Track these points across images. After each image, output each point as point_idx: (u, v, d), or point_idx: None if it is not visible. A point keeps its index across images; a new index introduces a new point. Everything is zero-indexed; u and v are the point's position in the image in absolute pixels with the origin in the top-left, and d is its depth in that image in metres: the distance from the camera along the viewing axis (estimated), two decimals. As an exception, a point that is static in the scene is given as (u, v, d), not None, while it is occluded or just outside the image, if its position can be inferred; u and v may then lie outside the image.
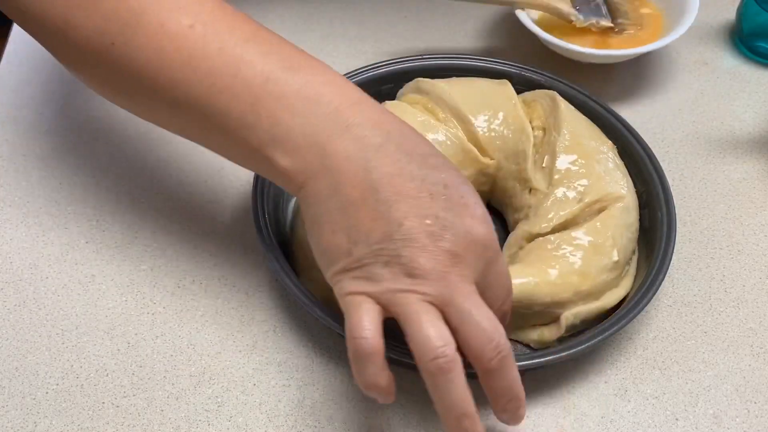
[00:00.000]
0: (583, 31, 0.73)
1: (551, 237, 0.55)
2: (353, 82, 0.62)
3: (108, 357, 0.54)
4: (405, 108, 0.59)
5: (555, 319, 0.54)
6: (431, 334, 0.42)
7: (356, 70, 0.65)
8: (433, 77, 0.62)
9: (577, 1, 0.73)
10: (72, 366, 0.54)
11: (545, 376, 0.53)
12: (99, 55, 0.47)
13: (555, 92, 0.61)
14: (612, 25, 0.73)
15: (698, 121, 0.70)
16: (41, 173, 0.64)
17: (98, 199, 0.63)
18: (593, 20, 0.72)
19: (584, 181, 0.56)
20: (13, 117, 0.68)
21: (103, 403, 0.52)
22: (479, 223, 0.44)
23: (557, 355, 0.50)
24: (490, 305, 0.44)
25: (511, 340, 0.52)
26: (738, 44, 0.77)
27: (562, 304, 0.53)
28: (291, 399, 0.52)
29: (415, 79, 0.62)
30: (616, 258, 0.54)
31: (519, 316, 0.52)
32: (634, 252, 0.58)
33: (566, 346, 0.51)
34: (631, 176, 0.59)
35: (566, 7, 0.72)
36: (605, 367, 0.55)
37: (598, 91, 0.73)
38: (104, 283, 0.58)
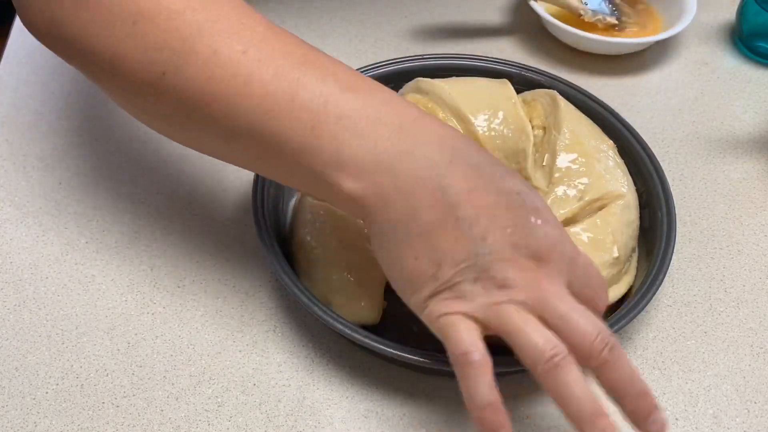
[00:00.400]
0: (589, 27, 0.74)
1: None
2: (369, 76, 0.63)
3: (108, 357, 0.54)
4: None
5: None
6: (539, 341, 0.41)
7: (366, 67, 0.65)
8: (433, 77, 0.62)
9: None
10: (72, 366, 0.54)
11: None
12: (150, 87, 0.45)
13: (555, 92, 0.61)
14: (617, 22, 0.75)
15: (698, 121, 0.70)
16: (41, 173, 0.64)
17: (98, 199, 0.63)
18: (600, 16, 0.74)
19: (585, 180, 0.56)
20: (13, 117, 0.68)
21: (103, 403, 0.52)
22: (552, 226, 0.44)
23: None
24: (586, 303, 0.44)
25: None
26: (738, 44, 0.77)
27: None
28: (291, 399, 0.52)
29: (415, 79, 0.62)
30: (616, 254, 0.54)
31: None
32: (634, 249, 0.58)
33: None
34: (630, 176, 0.59)
35: (575, 2, 0.74)
36: (605, 367, 0.55)
37: (598, 89, 0.73)
38: (104, 283, 0.58)
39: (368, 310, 0.54)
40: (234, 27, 0.45)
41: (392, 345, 0.49)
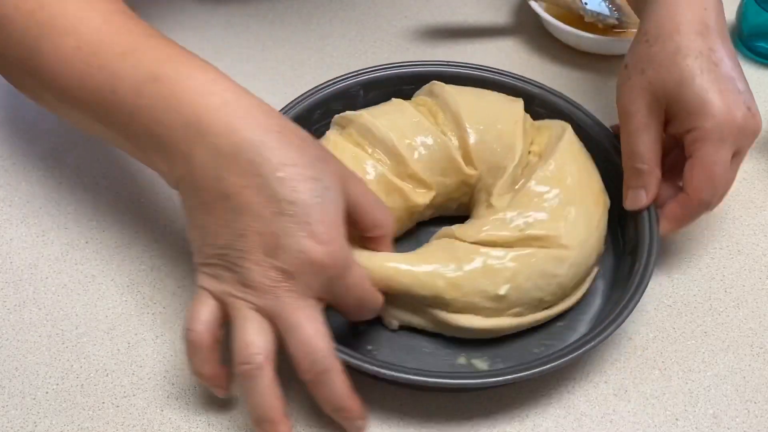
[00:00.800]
0: (589, 27, 0.74)
1: (467, 244, 0.53)
2: (382, 75, 0.64)
3: (108, 357, 0.54)
4: (405, 108, 0.60)
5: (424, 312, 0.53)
6: (248, 340, 0.45)
7: (382, 66, 0.65)
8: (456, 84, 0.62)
9: None
10: (72, 366, 0.54)
11: (545, 377, 0.53)
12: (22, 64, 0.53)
13: (569, 126, 0.59)
14: (617, 22, 0.75)
15: (698, 121, 0.70)
16: (41, 173, 0.64)
17: (98, 199, 0.63)
18: (600, 16, 0.74)
19: (539, 215, 0.54)
20: (13, 117, 0.68)
21: (103, 403, 0.52)
22: (318, 243, 0.45)
23: (501, 378, 0.49)
24: (348, 314, 0.50)
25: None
26: (738, 44, 0.77)
27: (421, 299, 0.52)
28: (291, 399, 0.52)
29: (432, 82, 0.62)
30: (502, 292, 0.51)
31: (408, 298, 0.52)
32: (541, 305, 0.54)
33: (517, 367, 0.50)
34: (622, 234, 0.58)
35: (575, 2, 0.74)
36: (605, 367, 0.55)
37: (599, 89, 0.73)
38: (104, 283, 0.58)
39: None
40: (72, 22, 0.51)
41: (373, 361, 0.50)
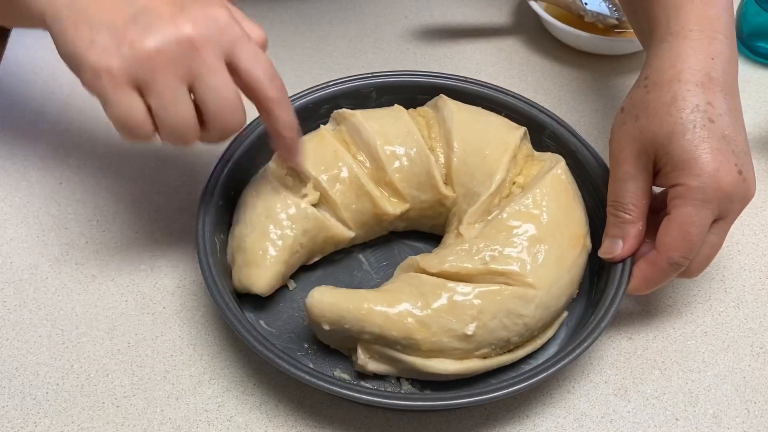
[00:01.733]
0: (589, 27, 0.74)
1: (434, 279, 0.51)
2: (397, 81, 0.63)
3: (108, 357, 0.54)
4: (400, 116, 0.59)
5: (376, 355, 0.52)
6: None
7: (399, 71, 0.64)
8: (470, 101, 0.61)
9: None
10: (72, 366, 0.54)
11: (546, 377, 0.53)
12: None
13: (562, 161, 0.57)
14: (617, 22, 0.75)
15: (698, 121, 0.70)
16: (41, 173, 0.64)
17: (98, 199, 0.63)
18: (600, 16, 0.74)
19: (508, 250, 0.52)
20: (13, 117, 0.68)
21: (103, 403, 0.52)
22: (220, 6, 0.45)
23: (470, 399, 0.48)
24: (255, 80, 0.47)
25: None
26: (738, 44, 0.77)
27: (390, 342, 0.50)
28: (291, 399, 0.52)
29: (440, 95, 0.61)
30: (470, 332, 0.50)
31: (350, 337, 0.51)
32: (508, 346, 0.52)
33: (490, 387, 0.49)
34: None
35: (576, 2, 0.74)
36: (605, 367, 0.55)
37: (599, 89, 0.73)
38: (104, 283, 0.58)
39: (257, 278, 0.53)
40: None
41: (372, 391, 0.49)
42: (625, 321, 0.57)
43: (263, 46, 0.49)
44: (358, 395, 0.47)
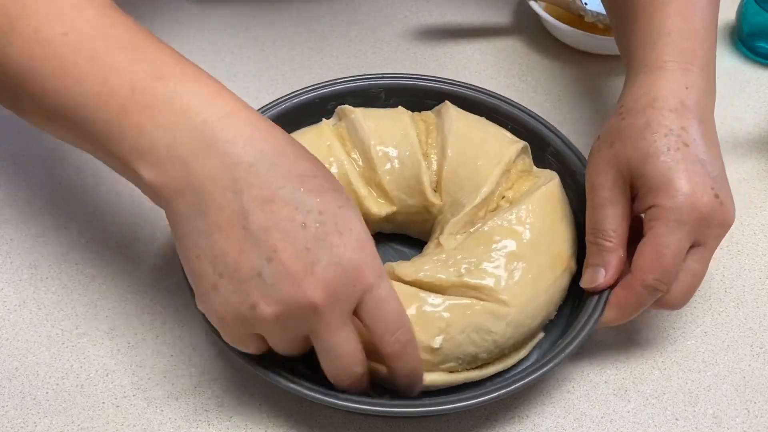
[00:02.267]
0: (589, 27, 0.74)
1: (406, 287, 0.51)
2: (408, 84, 0.63)
3: (108, 357, 0.54)
4: (401, 118, 0.59)
5: None
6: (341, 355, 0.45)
7: (409, 75, 0.64)
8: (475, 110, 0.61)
9: None
10: (72, 366, 0.54)
11: (545, 377, 0.53)
12: None
13: (556, 177, 0.57)
14: None
15: (698, 121, 0.70)
16: (41, 173, 0.64)
17: (98, 199, 0.63)
18: (600, 16, 0.74)
19: (484, 265, 0.51)
20: (13, 117, 0.68)
21: (103, 403, 0.52)
22: (351, 249, 0.42)
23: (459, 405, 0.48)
24: (375, 335, 0.45)
25: None
26: (738, 44, 0.77)
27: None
28: (291, 399, 0.52)
29: (445, 101, 0.61)
30: (436, 345, 0.49)
31: None
32: (476, 362, 0.51)
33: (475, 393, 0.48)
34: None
35: (576, 1, 0.74)
36: (605, 367, 0.55)
37: (599, 89, 0.73)
38: (104, 283, 0.58)
39: None
40: (62, 8, 0.44)
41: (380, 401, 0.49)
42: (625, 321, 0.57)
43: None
44: (354, 405, 0.47)
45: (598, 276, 0.51)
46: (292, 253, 0.41)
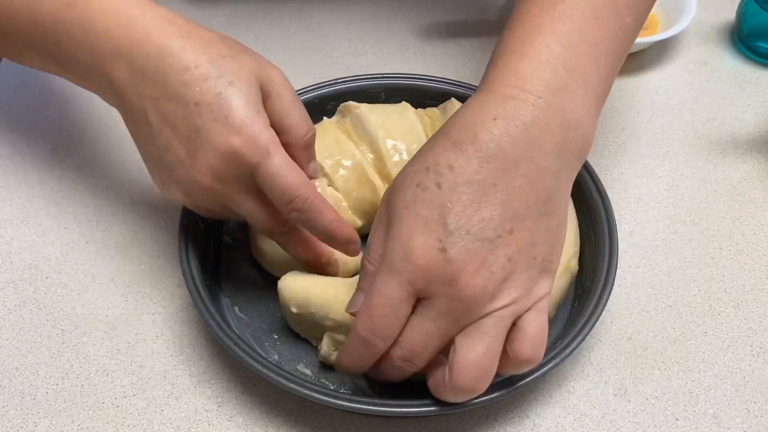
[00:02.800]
0: None
1: None
2: (409, 84, 0.63)
3: (108, 357, 0.54)
4: (407, 113, 0.59)
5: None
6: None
7: (409, 75, 0.64)
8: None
9: None
10: (72, 366, 0.54)
11: (545, 376, 0.53)
12: None
13: None
14: None
15: (698, 121, 0.70)
16: (41, 173, 0.64)
17: (98, 199, 0.63)
18: None
19: None
20: (13, 117, 0.68)
21: (103, 403, 0.52)
22: (227, 135, 0.46)
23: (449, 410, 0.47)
24: (276, 207, 0.49)
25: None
26: (738, 44, 0.77)
27: (350, 330, 0.47)
28: (291, 399, 0.52)
29: (451, 98, 0.61)
30: None
31: (316, 324, 0.51)
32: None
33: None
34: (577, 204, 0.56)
35: None
36: (605, 367, 0.55)
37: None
38: (104, 283, 0.58)
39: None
40: None
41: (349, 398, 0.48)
42: (625, 321, 0.57)
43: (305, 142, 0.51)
44: (354, 405, 0.47)
45: (357, 301, 0.46)
46: (179, 143, 0.47)
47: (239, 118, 0.46)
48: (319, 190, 0.55)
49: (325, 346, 0.51)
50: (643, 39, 0.73)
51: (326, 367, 0.53)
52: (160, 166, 0.49)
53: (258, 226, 0.51)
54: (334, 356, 0.52)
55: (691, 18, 0.73)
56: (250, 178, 0.48)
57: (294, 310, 0.51)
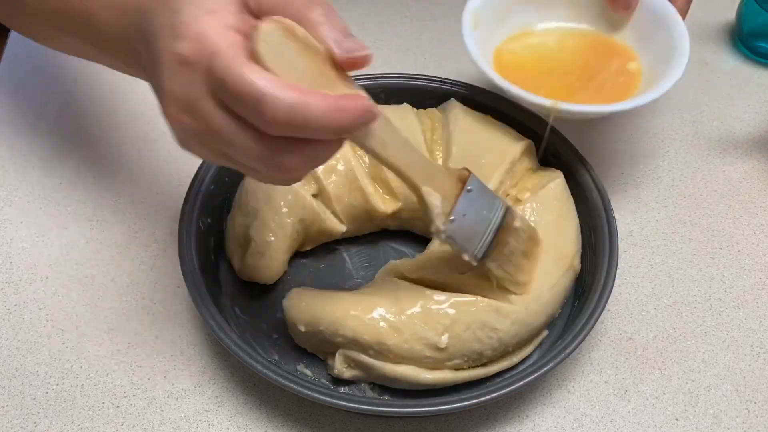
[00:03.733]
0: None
1: (411, 285, 0.51)
2: (409, 84, 0.63)
3: (108, 357, 0.54)
4: (407, 116, 0.59)
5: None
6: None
7: (409, 75, 0.64)
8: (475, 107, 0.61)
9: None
10: (72, 366, 0.54)
11: (545, 377, 0.53)
12: None
13: (561, 176, 0.57)
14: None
15: (698, 121, 0.70)
16: (41, 173, 0.64)
17: (98, 199, 0.63)
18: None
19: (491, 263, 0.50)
20: (13, 117, 0.68)
21: (103, 403, 0.52)
22: (177, 39, 0.38)
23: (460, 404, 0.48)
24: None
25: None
26: (738, 44, 0.77)
27: (363, 346, 0.49)
28: (291, 399, 0.52)
29: (452, 99, 0.61)
30: (442, 345, 0.49)
31: (325, 341, 0.51)
32: (481, 359, 0.51)
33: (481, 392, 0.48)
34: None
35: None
36: (605, 367, 0.55)
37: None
38: (104, 283, 0.58)
39: (266, 270, 0.54)
40: None
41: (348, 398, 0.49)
42: (625, 321, 0.57)
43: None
44: (354, 405, 0.47)
45: None
46: (150, 79, 0.41)
47: (185, 20, 0.38)
48: (302, 193, 0.54)
49: (338, 364, 0.51)
50: (615, 106, 0.59)
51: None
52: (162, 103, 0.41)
53: (253, 161, 0.40)
54: (347, 373, 0.51)
55: (679, 76, 0.60)
56: (214, 95, 0.38)
57: (302, 329, 0.51)
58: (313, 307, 0.50)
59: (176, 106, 0.39)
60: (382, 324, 0.49)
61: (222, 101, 0.38)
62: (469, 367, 0.51)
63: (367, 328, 0.49)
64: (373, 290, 0.52)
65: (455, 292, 0.51)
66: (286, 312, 0.51)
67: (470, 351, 0.50)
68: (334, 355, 0.51)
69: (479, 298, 0.50)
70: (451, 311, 0.50)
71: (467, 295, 0.50)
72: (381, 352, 0.49)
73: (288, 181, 0.42)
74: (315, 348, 0.53)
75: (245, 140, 0.39)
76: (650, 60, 0.62)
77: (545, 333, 0.54)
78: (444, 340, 0.49)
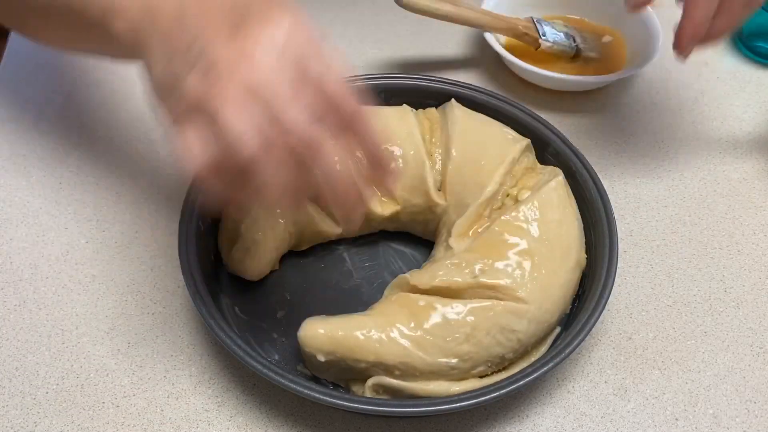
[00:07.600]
0: (550, 57, 0.72)
1: (425, 296, 0.51)
2: (409, 84, 0.62)
3: (108, 357, 0.54)
4: (406, 116, 0.59)
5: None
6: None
7: (417, 75, 0.64)
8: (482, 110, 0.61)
9: (541, 27, 0.71)
10: (72, 366, 0.54)
11: (545, 376, 0.53)
12: None
13: (560, 174, 0.56)
14: (576, 52, 0.72)
15: (698, 121, 0.70)
16: (41, 173, 0.64)
17: (98, 199, 0.63)
18: (555, 47, 0.71)
19: (498, 264, 0.51)
20: (13, 117, 0.68)
21: (103, 403, 0.52)
22: (274, 26, 0.45)
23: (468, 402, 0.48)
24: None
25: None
26: (738, 44, 0.77)
27: (389, 367, 0.49)
28: (291, 399, 0.52)
29: (451, 100, 0.61)
30: (464, 350, 0.49)
31: (347, 368, 0.50)
32: (503, 363, 0.51)
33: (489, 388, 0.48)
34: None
35: (528, 33, 0.71)
36: (605, 366, 0.55)
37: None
38: (104, 283, 0.58)
39: (250, 266, 0.55)
40: None
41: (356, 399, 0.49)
42: (625, 321, 0.57)
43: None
44: (354, 405, 0.47)
45: None
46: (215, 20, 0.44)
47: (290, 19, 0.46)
48: None
49: (368, 393, 0.50)
50: (597, 78, 0.69)
51: None
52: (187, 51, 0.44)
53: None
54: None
55: (657, 49, 0.69)
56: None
57: (321, 359, 0.50)
58: (329, 336, 0.49)
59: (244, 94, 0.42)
60: (403, 341, 0.49)
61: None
62: (492, 372, 0.51)
63: (389, 348, 0.49)
64: (387, 309, 0.51)
65: (469, 297, 0.50)
66: (302, 343, 0.50)
67: (493, 356, 0.50)
68: (356, 381, 0.51)
69: (495, 301, 0.50)
70: (471, 318, 0.49)
71: (483, 300, 0.50)
72: (406, 371, 0.49)
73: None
74: (335, 377, 0.52)
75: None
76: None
77: (558, 329, 0.54)
78: (465, 346, 0.49)
